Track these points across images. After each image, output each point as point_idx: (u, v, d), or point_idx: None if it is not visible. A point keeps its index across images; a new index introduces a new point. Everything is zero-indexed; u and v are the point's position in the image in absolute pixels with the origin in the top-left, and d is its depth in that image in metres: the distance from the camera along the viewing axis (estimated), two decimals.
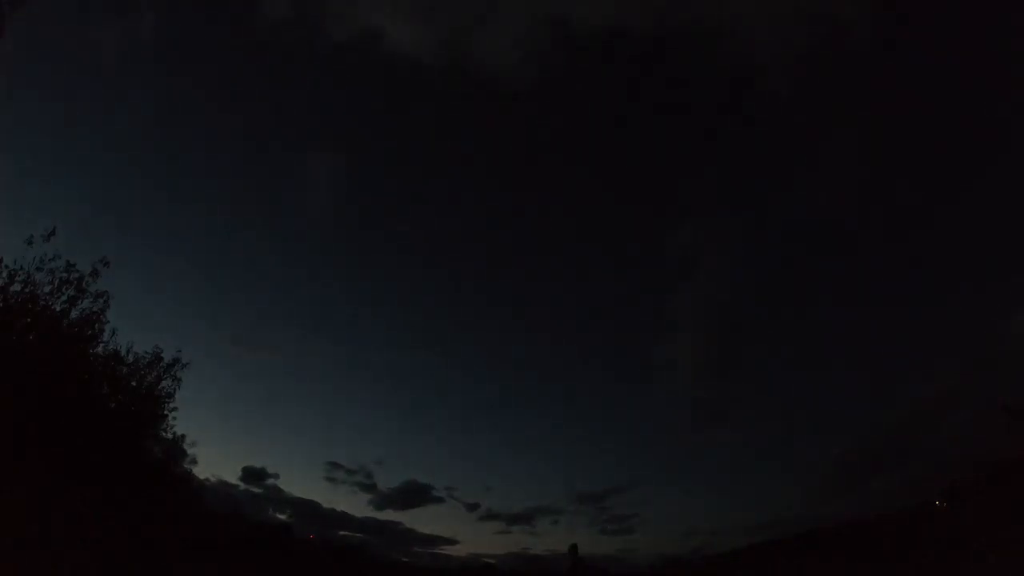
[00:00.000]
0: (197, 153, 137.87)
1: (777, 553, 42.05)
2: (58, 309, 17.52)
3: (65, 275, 17.55)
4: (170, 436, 22.91)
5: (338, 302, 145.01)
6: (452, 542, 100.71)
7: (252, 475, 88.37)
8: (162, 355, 20.90)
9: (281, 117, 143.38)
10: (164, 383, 20.94)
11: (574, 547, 15.89)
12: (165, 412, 21.45)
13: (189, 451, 25.24)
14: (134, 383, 20.35)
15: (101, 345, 19.11)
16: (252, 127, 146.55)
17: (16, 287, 16.48)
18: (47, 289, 17.16)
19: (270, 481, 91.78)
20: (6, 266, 16.47)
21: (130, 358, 20.22)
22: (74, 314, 17.96)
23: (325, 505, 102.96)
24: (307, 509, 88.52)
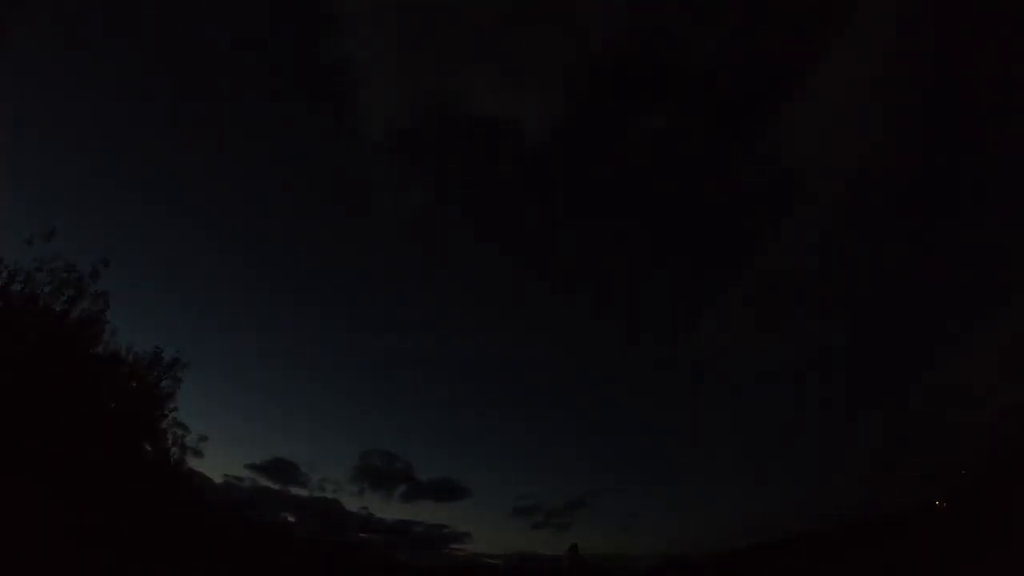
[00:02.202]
0: (198, 152, 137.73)
1: (777, 553, 42.04)
2: (58, 309, 17.57)
3: (65, 275, 17.61)
4: (171, 437, 22.97)
5: (365, 300, 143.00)
6: (468, 540, 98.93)
7: (277, 469, 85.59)
8: (162, 355, 21.01)
9: (281, 118, 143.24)
10: (164, 383, 21.05)
11: (574, 547, 15.95)
12: (165, 412, 21.52)
13: (202, 449, 25.46)
14: (134, 383, 20.41)
15: (101, 345, 19.21)
16: (251, 127, 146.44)
17: (16, 287, 16.54)
18: (47, 289, 17.22)
19: (301, 474, 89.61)
20: (6, 266, 16.53)
21: (130, 358, 20.33)
22: (74, 314, 18.02)
23: (352, 500, 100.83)
24: (324, 507, 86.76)
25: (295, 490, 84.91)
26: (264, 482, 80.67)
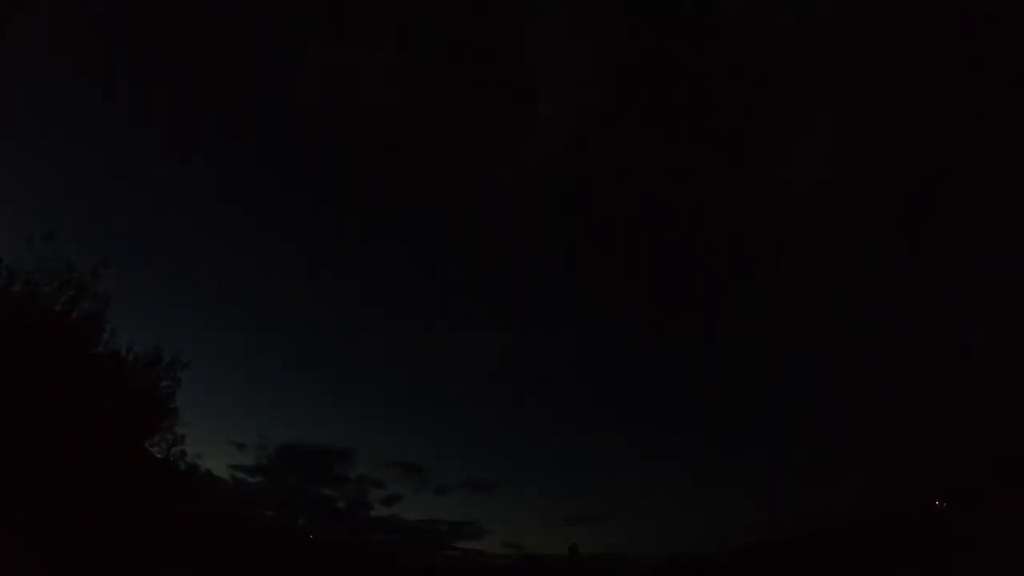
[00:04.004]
0: (197, 152, 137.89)
1: (777, 553, 42.08)
2: (58, 309, 17.59)
3: (65, 275, 17.65)
4: (172, 437, 22.96)
5: (398, 295, 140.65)
6: (482, 538, 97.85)
7: (302, 463, 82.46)
8: (162, 355, 21.04)
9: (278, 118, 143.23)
10: (164, 383, 21.09)
11: (574, 547, 15.94)
12: (166, 412, 21.53)
13: (213, 444, 25.36)
14: (134, 383, 20.44)
15: (101, 345, 19.22)
16: (251, 127, 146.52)
17: (16, 287, 16.56)
18: (47, 289, 17.24)
19: (328, 469, 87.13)
20: (6, 266, 16.55)
21: (130, 358, 20.35)
22: (74, 314, 18.05)
23: (379, 493, 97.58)
24: (337, 505, 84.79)
25: (312, 487, 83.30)
26: (280, 478, 79.02)
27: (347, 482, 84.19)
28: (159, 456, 22.90)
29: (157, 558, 17.52)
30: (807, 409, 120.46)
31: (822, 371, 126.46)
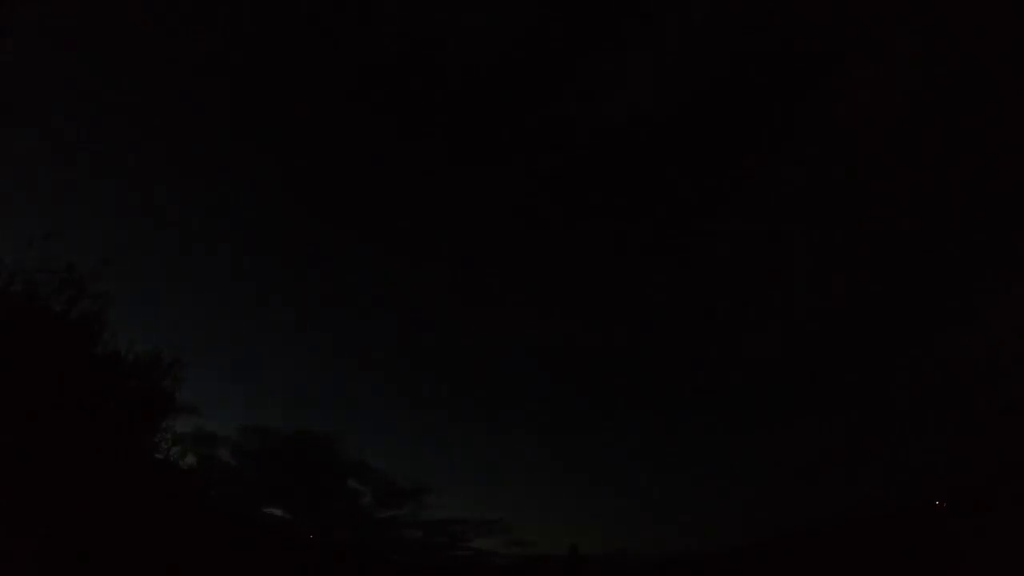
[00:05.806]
0: (197, 151, 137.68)
1: (777, 553, 42.12)
2: (58, 309, 17.56)
3: (66, 276, 17.61)
4: (171, 436, 22.91)
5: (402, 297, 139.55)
6: (486, 538, 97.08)
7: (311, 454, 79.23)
8: (162, 355, 20.99)
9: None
10: (165, 383, 21.03)
11: (574, 547, 15.90)
12: (166, 412, 21.48)
13: (216, 438, 25.29)
14: (134, 383, 20.39)
15: (101, 345, 19.16)
16: (251, 122, 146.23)
17: (17, 287, 16.53)
18: (47, 290, 17.21)
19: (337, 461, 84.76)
20: (6, 266, 16.52)
21: (130, 358, 20.29)
22: (74, 314, 18.01)
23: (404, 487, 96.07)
24: (346, 502, 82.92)
25: (326, 479, 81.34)
26: (292, 468, 77.23)
27: (369, 472, 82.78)
28: (159, 456, 22.87)
29: (157, 559, 17.52)
30: (807, 409, 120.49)
31: (823, 371, 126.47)
